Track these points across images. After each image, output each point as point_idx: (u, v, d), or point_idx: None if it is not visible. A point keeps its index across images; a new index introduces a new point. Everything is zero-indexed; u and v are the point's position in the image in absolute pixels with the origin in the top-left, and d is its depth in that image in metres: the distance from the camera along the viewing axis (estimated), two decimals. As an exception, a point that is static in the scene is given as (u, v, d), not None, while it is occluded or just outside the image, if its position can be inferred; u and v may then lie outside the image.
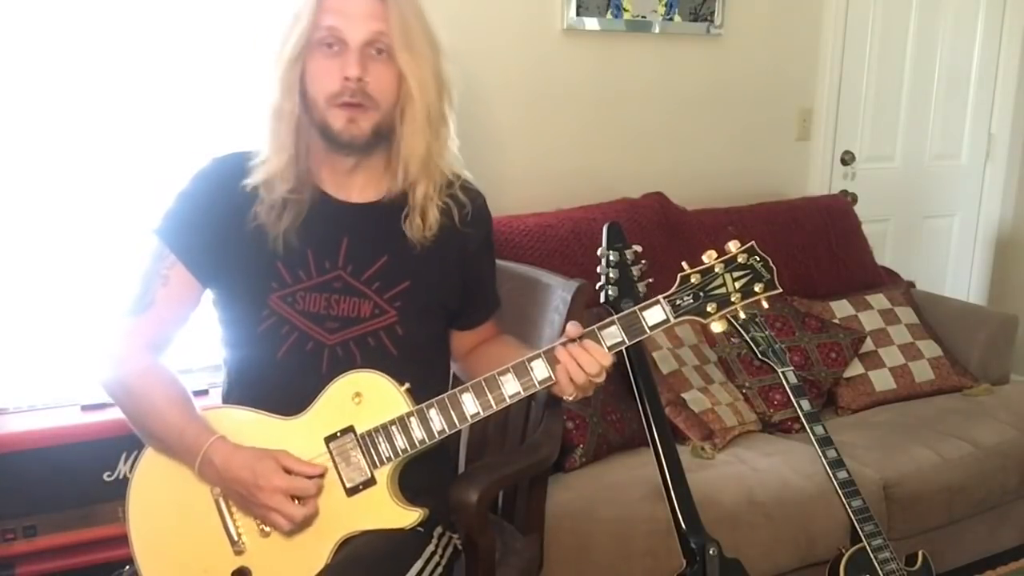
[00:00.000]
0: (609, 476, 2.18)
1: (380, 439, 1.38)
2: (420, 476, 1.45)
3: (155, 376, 1.44)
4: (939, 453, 2.45)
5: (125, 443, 1.91)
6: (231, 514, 1.41)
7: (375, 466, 1.38)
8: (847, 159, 3.51)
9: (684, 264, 1.41)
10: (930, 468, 2.41)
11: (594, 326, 1.39)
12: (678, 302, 1.39)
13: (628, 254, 1.64)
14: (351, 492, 1.38)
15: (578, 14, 2.77)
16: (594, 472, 2.20)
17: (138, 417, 1.44)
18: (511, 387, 1.39)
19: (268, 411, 1.43)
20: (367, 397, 1.39)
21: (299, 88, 1.38)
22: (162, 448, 1.43)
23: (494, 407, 1.39)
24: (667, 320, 1.39)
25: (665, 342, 2.50)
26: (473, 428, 1.57)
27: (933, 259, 3.84)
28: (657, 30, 2.94)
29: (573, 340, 1.38)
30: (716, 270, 1.40)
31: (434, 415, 1.39)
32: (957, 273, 3.94)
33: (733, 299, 1.40)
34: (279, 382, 1.44)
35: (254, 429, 1.41)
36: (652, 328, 1.39)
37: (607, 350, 1.38)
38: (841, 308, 2.88)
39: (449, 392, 1.40)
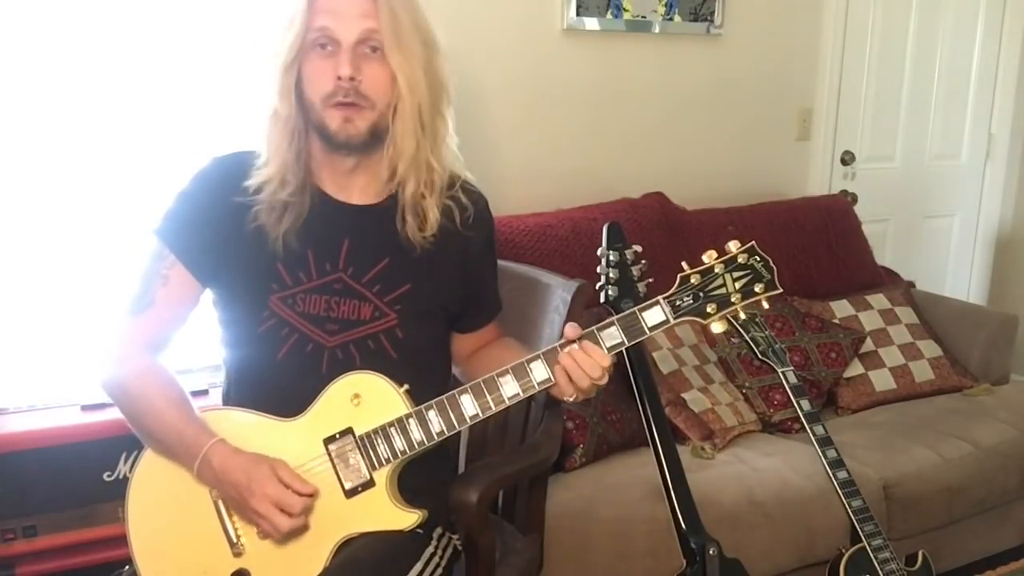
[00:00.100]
0: (609, 476, 2.18)
1: (379, 441, 1.38)
2: (420, 476, 1.45)
3: (154, 376, 1.44)
4: (939, 453, 2.45)
5: (125, 443, 1.91)
6: (230, 516, 1.41)
7: (374, 468, 1.38)
8: (847, 159, 3.50)
9: (684, 264, 1.40)
10: (930, 468, 2.41)
11: (593, 327, 1.39)
12: (678, 303, 1.38)
13: (628, 254, 1.64)
14: (350, 494, 1.38)
15: (578, 14, 2.76)
16: (594, 472, 2.20)
17: (137, 417, 1.44)
18: (510, 388, 1.38)
19: (267, 412, 1.42)
20: (366, 398, 1.39)
21: (296, 91, 1.38)
22: (161, 449, 1.43)
23: (493, 409, 1.39)
24: (667, 321, 1.38)
25: (665, 342, 2.50)
26: (473, 428, 1.57)
27: (933, 259, 3.84)
28: (657, 30, 2.94)
29: (572, 342, 1.37)
30: (716, 270, 1.39)
31: (433, 417, 1.38)
32: (957, 273, 3.94)
33: (733, 299, 1.40)
34: (279, 383, 1.44)
35: (253, 431, 1.41)
36: (652, 329, 1.38)
37: (606, 351, 1.38)
38: (841, 308, 2.88)
39: (448, 393, 1.39)
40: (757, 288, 1.40)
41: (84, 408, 2.08)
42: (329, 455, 1.39)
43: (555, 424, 1.78)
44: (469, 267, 1.55)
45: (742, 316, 1.43)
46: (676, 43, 3.01)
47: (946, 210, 3.85)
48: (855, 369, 2.76)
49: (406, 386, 1.40)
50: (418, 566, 1.41)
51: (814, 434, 1.98)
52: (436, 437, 1.39)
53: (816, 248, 3.05)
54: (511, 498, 1.83)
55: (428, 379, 1.48)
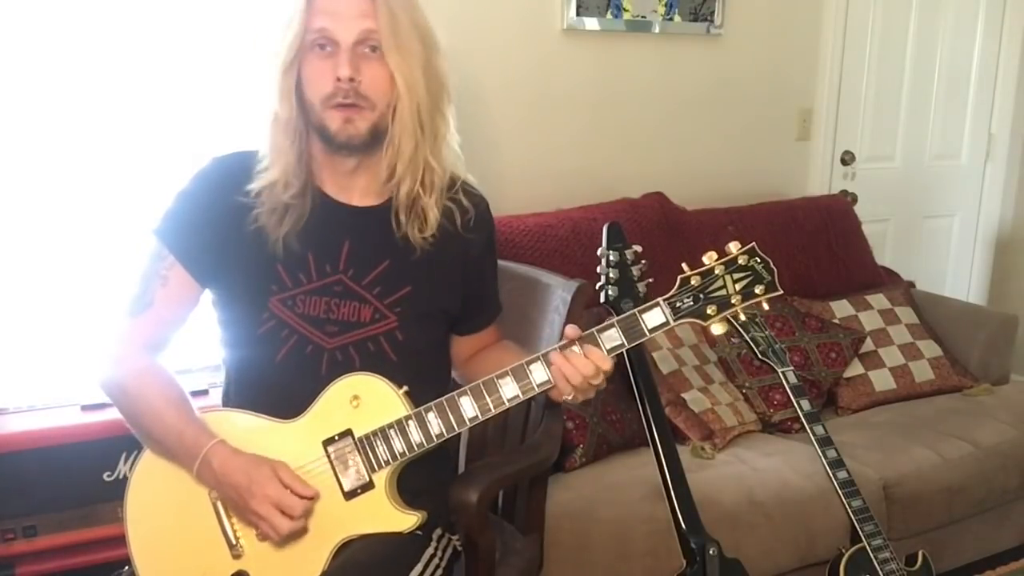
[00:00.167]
0: (609, 476, 2.18)
1: (378, 442, 1.38)
2: (419, 477, 1.45)
3: (153, 376, 1.44)
4: (939, 453, 2.45)
5: (125, 443, 1.90)
6: (229, 517, 1.41)
7: (373, 470, 1.38)
8: (847, 159, 3.50)
9: (684, 266, 1.40)
10: (930, 468, 2.41)
11: (593, 329, 1.38)
12: (678, 304, 1.38)
13: (628, 254, 1.63)
14: (349, 496, 1.38)
15: (578, 14, 2.76)
16: (594, 472, 2.20)
17: (135, 417, 1.43)
18: (510, 390, 1.38)
19: (266, 413, 1.42)
20: (365, 400, 1.39)
21: (297, 93, 1.38)
22: (160, 449, 1.42)
23: (492, 411, 1.38)
24: (667, 323, 1.38)
25: (665, 342, 2.50)
26: (473, 428, 1.56)
27: (933, 259, 3.84)
28: (657, 30, 2.94)
29: (572, 343, 1.37)
30: (716, 272, 1.39)
31: (432, 418, 1.38)
32: (957, 273, 3.93)
33: (733, 301, 1.39)
34: (278, 384, 1.44)
35: (252, 432, 1.41)
36: (652, 331, 1.38)
37: (606, 353, 1.37)
38: (841, 308, 2.88)
39: (447, 395, 1.39)
40: (757, 290, 1.40)
41: (84, 408, 2.08)
42: (328, 457, 1.38)
43: (555, 424, 1.78)
44: (469, 269, 1.55)
45: (742, 317, 1.42)
46: (676, 43, 3.01)
47: (946, 210, 3.85)
48: (855, 369, 2.76)
49: (405, 388, 1.39)
50: (418, 568, 1.41)
51: (814, 434, 1.98)
52: (435, 439, 1.38)
53: (816, 248, 3.05)
54: (511, 498, 1.83)
55: (428, 382, 1.47)
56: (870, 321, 2.86)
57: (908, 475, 2.37)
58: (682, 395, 2.42)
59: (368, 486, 1.38)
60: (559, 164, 2.84)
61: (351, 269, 1.45)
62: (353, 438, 1.38)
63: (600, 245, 1.65)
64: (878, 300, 2.93)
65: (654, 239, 2.65)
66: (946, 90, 3.69)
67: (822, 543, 2.19)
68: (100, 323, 1.50)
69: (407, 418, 1.38)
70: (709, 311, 1.39)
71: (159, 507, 1.43)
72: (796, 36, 3.27)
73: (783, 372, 2.02)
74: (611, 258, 1.63)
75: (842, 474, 1.98)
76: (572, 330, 1.38)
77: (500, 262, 1.69)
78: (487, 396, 1.38)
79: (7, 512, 1.95)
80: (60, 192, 2.16)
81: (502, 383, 1.38)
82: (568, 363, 1.36)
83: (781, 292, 1.42)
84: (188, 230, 1.44)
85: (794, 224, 3.03)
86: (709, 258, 1.40)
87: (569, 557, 1.99)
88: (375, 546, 1.37)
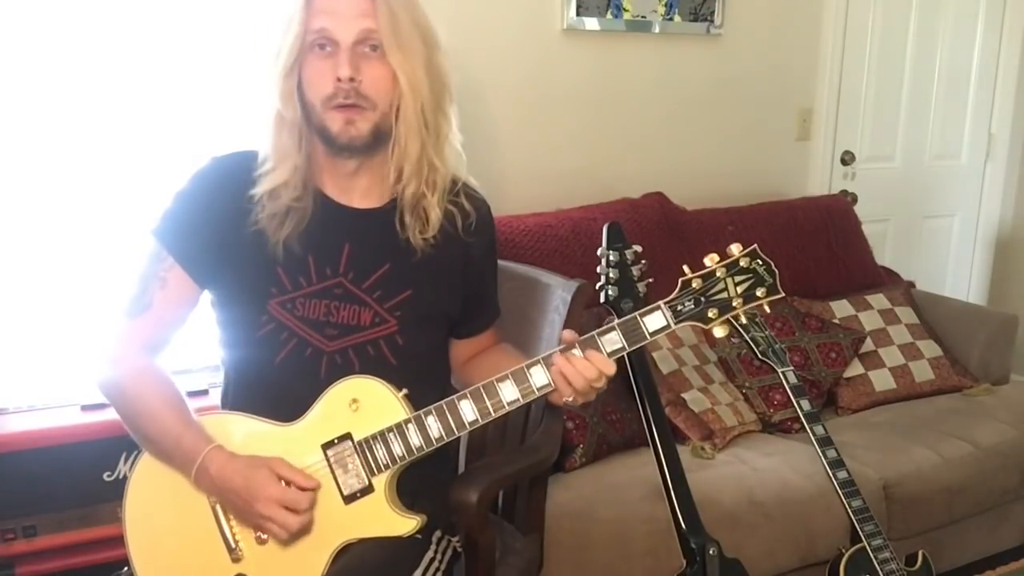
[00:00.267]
0: (609, 476, 2.18)
1: (378, 446, 1.37)
2: (419, 478, 1.45)
3: (151, 377, 1.43)
4: (939, 453, 2.45)
5: (125, 443, 1.88)
6: (228, 521, 1.41)
7: (373, 473, 1.37)
8: (847, 159, 3.50)
9: (685, 268, 1.39)
10: (930, 468, 2.41)
11: (594, 332, 1.38)
12: (679, 307, 1.37)
13: (628, 254, 1.63)
14: (349, 500, 1.37)
15: (578, 14, 2.76)
16: (594, 472, 2.20)
17: (132, 418, 1.43)
18: (510, 394, 1.37)
19: (265, 415, 1.41)
20: (364, 403, 1.38)
21: (298, 94, 1.37)
22: (156, 451, 1.42)
23: (492, 414, 1.37)
24: (668, 326, 1.37)
25: (665, 342, 2.50)
26: (473, 429, 1.56)
27: (933, 259, 3.84)
28: (657, 30, 2.94)
29: (572, 346, 1.36)
30: (718, 274, 1.38)
31: (432, 422, 1.37)
32: (957, 273, 3.93)
33: (735, 304, 1.38)
34: (277, 387, 1.43)
35: (251, 436, 1.40)
36: (653, 334, 1.37)
37: (607, 356, 1.36)
38: (841, 308, 2.88)
39: (447, 399, 1.38)
40: (759, 292, 1.39)
41: (84, 408, 2.08)
42: (327, 460, 1.37)
43: (555, 424, 1.78)
44: (470, 272, 1.54)
45: (743, 319, 1.41)
46: (676, 43, 3.00)
47: (946, 210, 3.85)
48: (855, 369, 2.76)
49: (405, 391, 1.38)
50: (417, 572, 1.40)
51: (814, 434, 1.98)
52: (435, 442, 1.37)
53: (816, 248, 3.05)
54: (511, 498, 1.83)
55: (427, 385, 1.46)
56: (870, 321, 2.86)
57: (908, 475, 2.37)
58: (682, 395, 2.42)
59: (367, 490, 1.37)
60: (559, 164, 2.84)
61: (351, 272, 1.44)
62: (352, 441, 1.37)
63: (600, 245, 1.65)
64: (878, 300, 2.93)
65: (654, 239, 2.65)
66: (946, 90, 3.69)
67: (822, 543, 2.19)
68: (99, 324, 1.50)
69: (406, 422, 1.37)
70: (710, 314, 1.38)
71: (158, 508, 1.43)
72: (796, 36, 3.27)
73: (783, 372, 2.02)
74: (611, 258, 1.63)
75: (842, 474, 1.98)
76: (570, 335, 1.38)
77: (500, 262, 1.68)
78: (487, 400, 1.37)
79: (7, 512, 1.96)
80: (60, 193, 2.15)
81: (502, 386, 1.37)
82: (570, 365, 1.35)
83: (783, 295, 1.41)
84: (187, 231, 1.43)
85: (794, 224, 3.03)
86: (711, 260, 1.39)
87: (569, 557, 1.99)
88: (374, 550, 1.37)
